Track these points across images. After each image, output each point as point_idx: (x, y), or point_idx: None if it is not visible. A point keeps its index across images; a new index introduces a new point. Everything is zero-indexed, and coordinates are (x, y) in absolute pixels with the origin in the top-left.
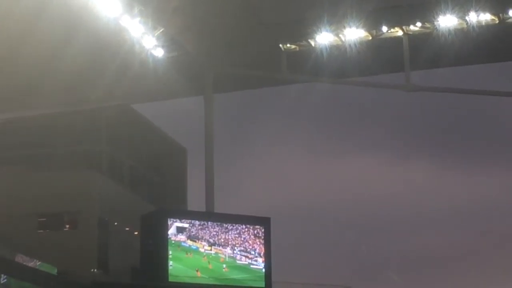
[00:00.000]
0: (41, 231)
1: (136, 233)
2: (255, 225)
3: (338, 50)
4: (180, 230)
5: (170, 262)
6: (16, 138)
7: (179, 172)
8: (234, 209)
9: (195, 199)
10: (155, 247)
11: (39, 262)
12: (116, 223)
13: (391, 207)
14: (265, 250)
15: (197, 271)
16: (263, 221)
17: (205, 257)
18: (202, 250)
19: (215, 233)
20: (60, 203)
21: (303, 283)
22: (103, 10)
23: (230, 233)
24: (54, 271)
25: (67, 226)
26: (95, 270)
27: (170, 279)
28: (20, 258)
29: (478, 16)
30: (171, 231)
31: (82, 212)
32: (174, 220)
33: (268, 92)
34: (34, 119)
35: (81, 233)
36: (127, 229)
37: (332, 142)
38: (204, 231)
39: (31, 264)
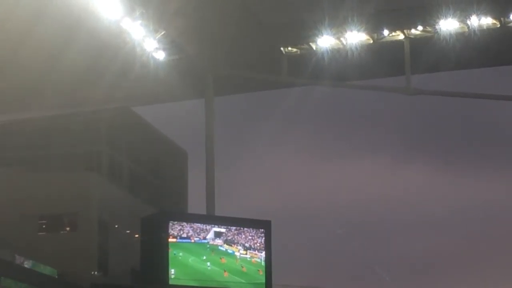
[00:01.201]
0: (41, 233)
1: (136, 236)
2: (255, 228)
3: (339, 54)
4: (217, 234)
5: (208, 263)
6: (17, 139)
7: (180, 175)
8: (235, 211)
9: (195, 201)
10: (156, 250)
11: (37, 264)
12: (116, 226)
13: (391, 210)
14: (265, 253)
15: (224, 271)
16: (264, 224)
17: (238, 260)
18: (237, 254)
19: (250, 237)
20: (59, 205)
21: (302, 287)
22: (104, 12)
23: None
24: (55, 274)
25: (67, 228)
26: (95, 272)
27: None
28: (20, 260)
29: (479, 20)
30: (209, 235)
31: (82, 214)
32: (212, 226)
33: (269, 95)
34: (35, 120)
35: (80, 235)
36: (127, 231)
37: (332, 145)
38: (240, 235)
39: (30, 266)
